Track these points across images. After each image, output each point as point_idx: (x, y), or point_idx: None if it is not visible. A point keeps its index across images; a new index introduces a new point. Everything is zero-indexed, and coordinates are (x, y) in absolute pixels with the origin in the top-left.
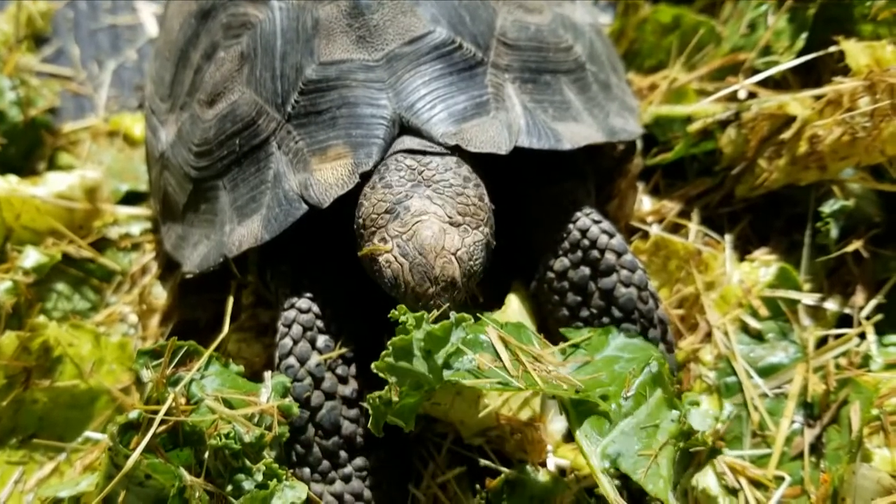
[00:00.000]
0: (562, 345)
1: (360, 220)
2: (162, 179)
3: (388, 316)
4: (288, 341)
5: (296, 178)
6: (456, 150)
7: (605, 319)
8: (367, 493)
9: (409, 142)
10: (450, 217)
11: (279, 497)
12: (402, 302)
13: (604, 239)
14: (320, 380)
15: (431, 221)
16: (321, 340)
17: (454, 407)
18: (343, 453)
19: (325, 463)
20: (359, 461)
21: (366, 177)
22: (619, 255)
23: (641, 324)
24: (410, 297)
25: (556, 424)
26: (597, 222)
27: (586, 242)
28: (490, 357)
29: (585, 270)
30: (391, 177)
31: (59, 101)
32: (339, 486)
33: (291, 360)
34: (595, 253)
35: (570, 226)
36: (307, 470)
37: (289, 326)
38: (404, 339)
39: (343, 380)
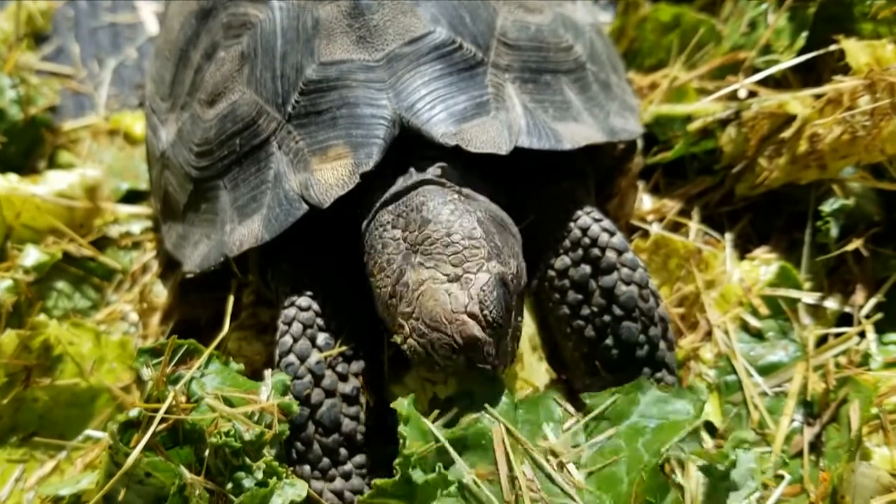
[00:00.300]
0: (582, 421)
1: (380, 307)
2: (162, 179)
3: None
4: (288, 339)
5: (296, 178)
6: (456, 151)
7: (606, 317)
8: (367, 491)
9: (401, 182)
10: (447, 275)
11: (279, 495)
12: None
13: (605, 237)
14: (320, 377)
15: (430, 290)
16: (321, 338)
17: None
18: (343, 451)
19: (326, 460)
20: (359, 458)
21: (366, 177)
22: (619, 253)
23: (642, 322)
24: (450, 372)
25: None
26: (597, 220)
27: (587, 241)
28: (489, 469)
29: (586, 269)
30: (384, 256)
31: (60, 99)
32: (339, 483)
33: (291, 358)
34: (596, 251)
35: (571, 224)
36: (307, 467)
37: (289, 324)
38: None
39: (343, 377)
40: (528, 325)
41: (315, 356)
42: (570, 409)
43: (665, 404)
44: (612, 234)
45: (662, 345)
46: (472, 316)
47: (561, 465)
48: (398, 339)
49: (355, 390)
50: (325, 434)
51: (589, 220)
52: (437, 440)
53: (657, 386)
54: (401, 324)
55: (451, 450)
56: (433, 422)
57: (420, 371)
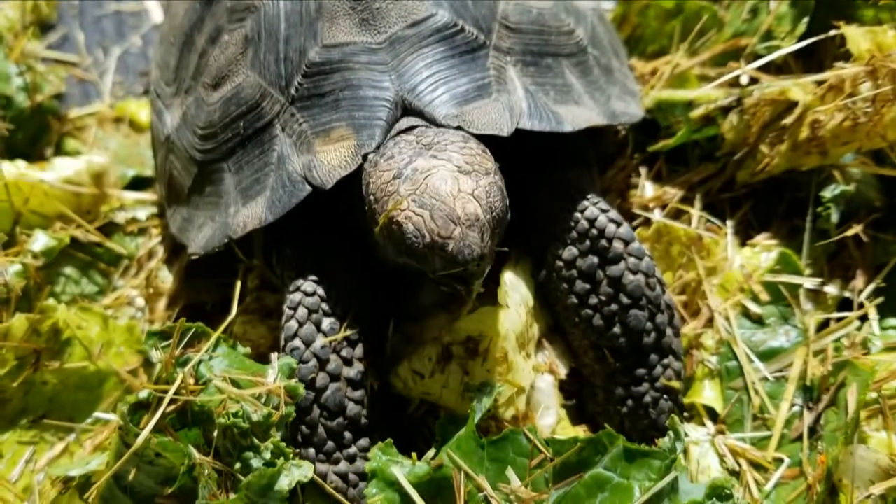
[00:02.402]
0: (548, 465)
1: (371, 196)
2: (167, 163)
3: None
4: (293, 324)
5: (299, 160)
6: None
7: (614, 306)
8: None
9: (406, 122)
10: (458, 167)
11: (286, 475)
12: (430, 263)
13: (612, 228)
14: (325, 362)
15: (441, 172)
16: (326, 323)
17: (443, 397)
18: (348, 434)
19: (330, 444)
20: (363, 442)
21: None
22: (626, 243)
23: (649, 309)
24: (438, 249)
25: (547, 419)
26: (604, 211)
27: (594, 232)
28: None
29: (594, 259)
30: (391, 150)
31: (65, 87)
32: (343, 466)
33: (297, 343)
34: (603, 242)
35: (578, 215)
36: (312, 450)
37: (294, 309)
38: None
39: (348, 362)
40: (516, 322)
41: (320, 341)
42: (540, 445)
43: (629, 463)
44: (618, 224)
45: (669, 331)
46: (477, 199)
47: None
48: (386, 214)
49: (360, 374)
50: (329, 418)
51: (596, 210)
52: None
53: (624, 443)
54: (398, 199)
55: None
56: (414, 465)
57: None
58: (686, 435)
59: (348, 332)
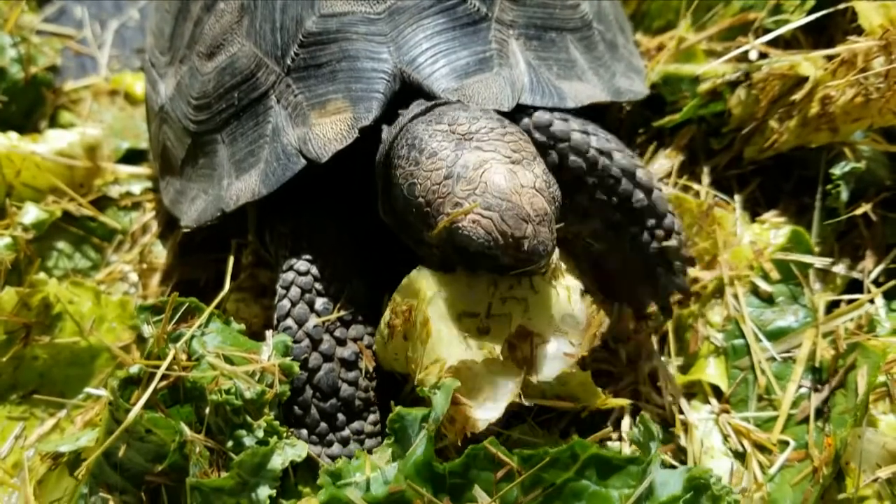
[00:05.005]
0: (520, 477)
1: (421, 200)
2: (161, 133)
3: None
4: (286, 303)
5: (294, 133)
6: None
7: (602, 192)
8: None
9: (418, 105)
10: (508, 157)
11: (279, 454)
12: (499, 262)
13: (592, 140)
14: (318, 342)
15: (496, 167)
16: (319, 303)
17: (396, 367)
18: (341, 416)
19: (323, 425)
20: (356, 425)
21: (365, 132)
22: (604, 153)
23: (639, 186)
24: (511, 249)
25: (485, 413)
26: (584, 131)
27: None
28: None
29: (553, 156)
30: (428, 144)
31: (62, 60)
32: (336, 448)
33: (289, 322)
34: (592, 153)
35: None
36: (304, 432)
37: (287, 288)
38: None
39: (341, 342)
40: (454, 289)
41: (313, 321)
42: (505, 457)
43: (606, 470)
44: (593, 135)
45: (648, 195)
46: (540, 191)
47: None
48: (447, 220)
49: (354, 355)
50: (322, 399)
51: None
52: None
53: (597, 450)
54: (457, 203)
55: None
56: (368, 482)
57: (453, 253)
58: (658, 436)
59: (342, 313)
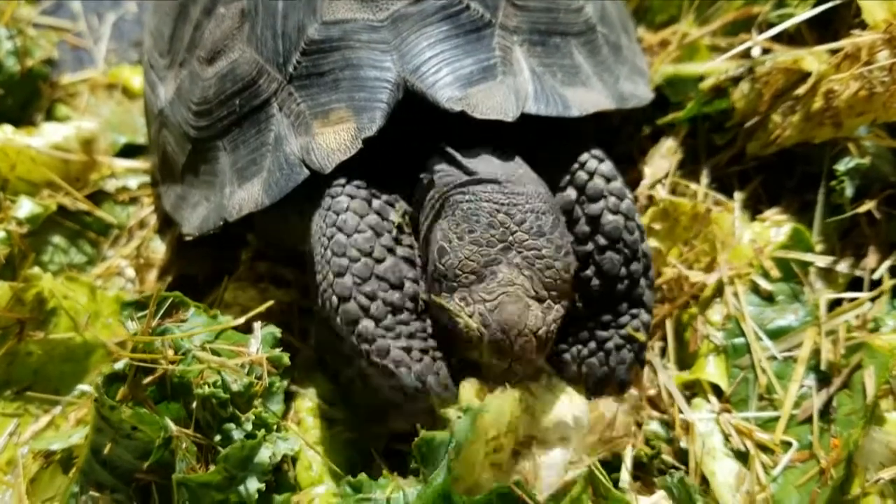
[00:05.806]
0: None
1: (442, 268)
2: (161, 137)
3: None
4: (343, 199)
5: (297, 142)
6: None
7: (590, 246)
8: (435, 354)
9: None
10: (536, 291)
11: (268, 447)
12: (478, 352)
13: (593, 163)
14: (379, 234)
15: (517, 295)
16: (376, 203)
17: None
18: (406, 313)
19: (391, 317)
20: (418, 324)
21: (368, 142)
22: (608, 180)
23: (625, 254)
24: (484, 365)
25: None
26: (589, 150)
27: (576, 165)
28: None
29: (572, 193)
30: (480, 230)
31: (59, 53)
32: (404, 341)
33: (348, 216)
34: (582, 174)
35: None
36: (370, 323)
37: (335, 197)
38: None
39: (398, 241)
40: None
41: (373, 216)
42: (531, 500)
43: None
44: (601, 160)
45: (643, 282)
46: (538, 339)
47: None
48: (451, 309)
49: (413, 255)
50: (389, 289)
51: (586, 154)
52: None
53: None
54: (468, 300)
55: None
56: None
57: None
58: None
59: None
